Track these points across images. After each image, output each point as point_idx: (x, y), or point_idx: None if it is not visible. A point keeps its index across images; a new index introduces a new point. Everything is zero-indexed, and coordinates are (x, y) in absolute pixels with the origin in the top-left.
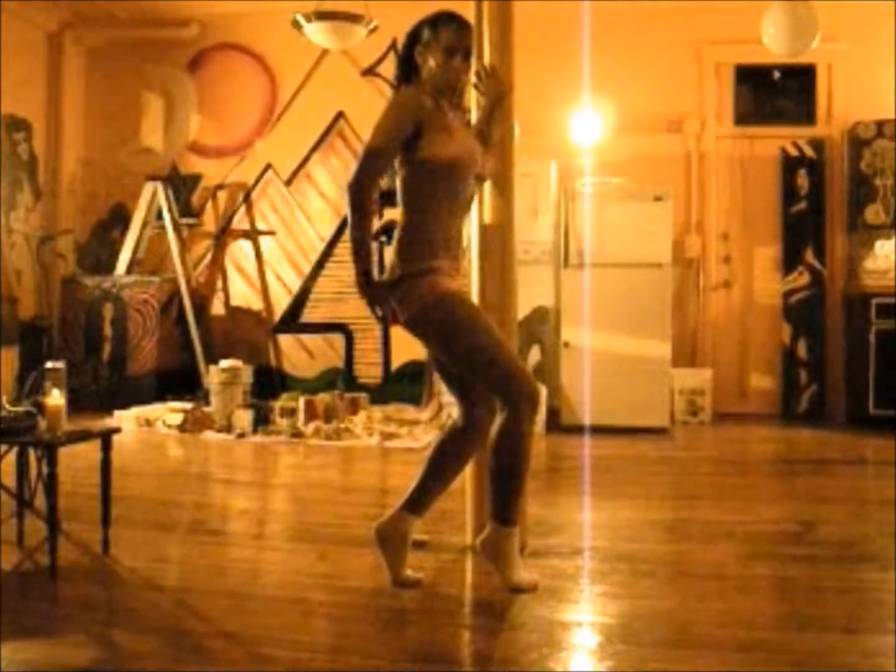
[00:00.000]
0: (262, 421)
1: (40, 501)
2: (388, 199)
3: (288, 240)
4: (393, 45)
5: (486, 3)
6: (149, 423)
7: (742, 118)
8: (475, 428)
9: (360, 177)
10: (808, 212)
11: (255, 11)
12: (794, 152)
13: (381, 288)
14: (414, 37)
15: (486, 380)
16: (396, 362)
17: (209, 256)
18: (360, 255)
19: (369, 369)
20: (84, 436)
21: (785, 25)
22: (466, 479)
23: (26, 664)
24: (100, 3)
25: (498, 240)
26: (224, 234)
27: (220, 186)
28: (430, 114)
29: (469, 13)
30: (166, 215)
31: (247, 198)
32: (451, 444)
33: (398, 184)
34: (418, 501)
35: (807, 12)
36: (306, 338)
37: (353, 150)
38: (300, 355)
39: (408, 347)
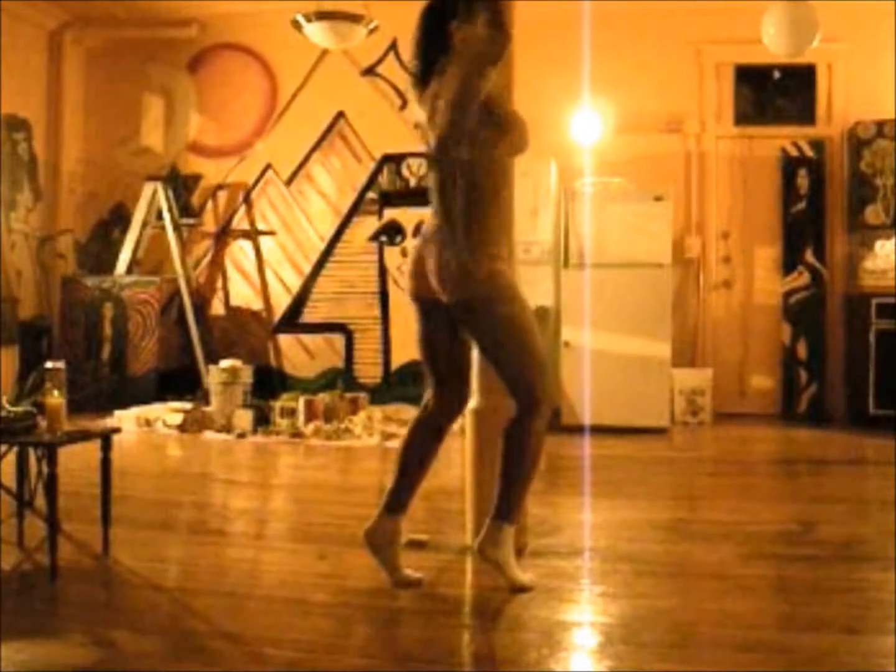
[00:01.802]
0: (262, 421)
1: (40, 501)
2: (388, 199)
3: (288, 240)
4: (393, 45)
5: None
6: (149, 423)
7: (742, 118)
8: (445, 415)
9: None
10: (808, 212)
11: (255, 11)
12: (794, 152)
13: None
14: (444, 11)
15: (518, 373)
16: (396, 362)
17: (209, 256)
18: None
19: (369, 369)
20: (84, 436)
21: (785, 25)
22: (466, 479)
23: (26, 664)
24: (100, 3)
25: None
26: (224, 234)
27: (220, 186)
28: None
29: None
30: (166, 215)
31: (247, 198)
32: (420, 436)
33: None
34: (398, 500)
35: (807, 12)
36: (306, 338)
37: (353, 150)
38: (300, 355)
39: (408, 347)
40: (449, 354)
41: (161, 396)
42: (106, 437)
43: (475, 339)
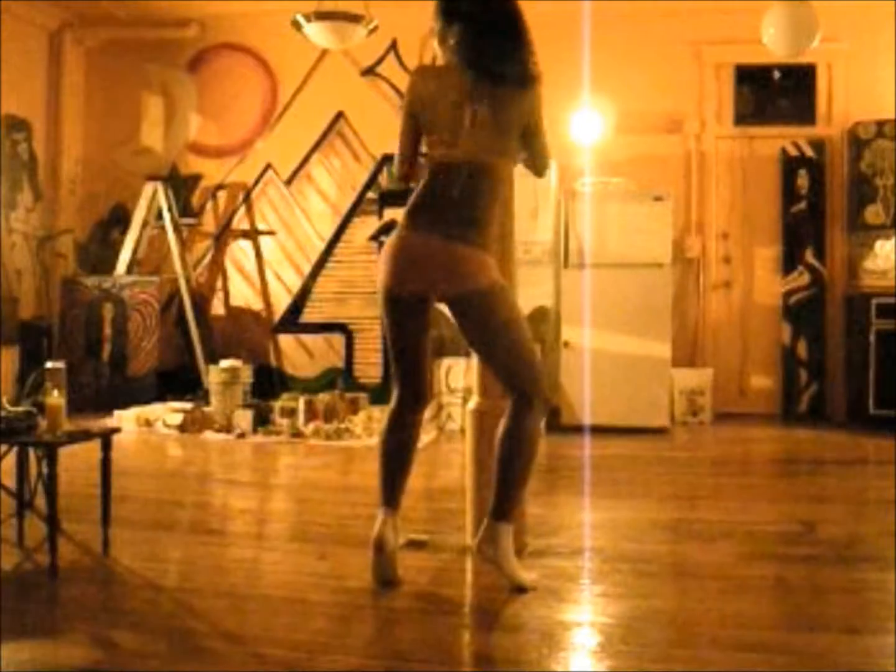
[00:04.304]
0: (262, 421)
1: (40, 501)
2: (388, 199)
3: (288, 240)
4: (393, 45)
5: None
6: (149, 423)
7: (742, 118)
8: (417, 408)
9: None
10: (808, 212)
11: (255, 11)
12: (794, 152)
13: None
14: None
15: (515, 367)
16: None
17: (209, 256)
18: None
19: (369, 369)
20: (84, 436)
21: (785, 25)
22: (466, 479)
23: (26, 664)
24: (100, 3)
25: (498, 240)
26: (224, 234)
27: (220, 186)
28: None
29: None
30: (166, 215)
31: (247, 198)
32: (397, 433)
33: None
34: (393, 497)
35: (807, 12)
36: (306, 338)
37: (353, 150)
38: (300, 355)
39: None
40: (423, 350)
41: (161, 396)
42: (106, 437)
43: (476, 332)
